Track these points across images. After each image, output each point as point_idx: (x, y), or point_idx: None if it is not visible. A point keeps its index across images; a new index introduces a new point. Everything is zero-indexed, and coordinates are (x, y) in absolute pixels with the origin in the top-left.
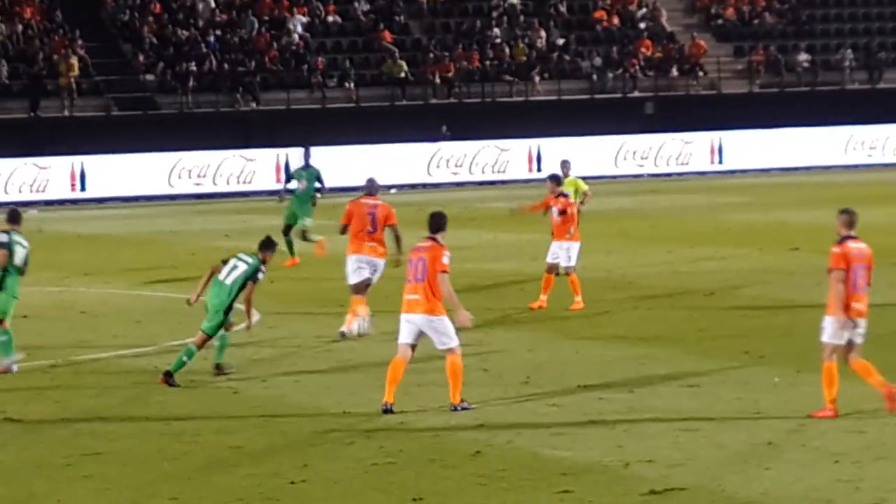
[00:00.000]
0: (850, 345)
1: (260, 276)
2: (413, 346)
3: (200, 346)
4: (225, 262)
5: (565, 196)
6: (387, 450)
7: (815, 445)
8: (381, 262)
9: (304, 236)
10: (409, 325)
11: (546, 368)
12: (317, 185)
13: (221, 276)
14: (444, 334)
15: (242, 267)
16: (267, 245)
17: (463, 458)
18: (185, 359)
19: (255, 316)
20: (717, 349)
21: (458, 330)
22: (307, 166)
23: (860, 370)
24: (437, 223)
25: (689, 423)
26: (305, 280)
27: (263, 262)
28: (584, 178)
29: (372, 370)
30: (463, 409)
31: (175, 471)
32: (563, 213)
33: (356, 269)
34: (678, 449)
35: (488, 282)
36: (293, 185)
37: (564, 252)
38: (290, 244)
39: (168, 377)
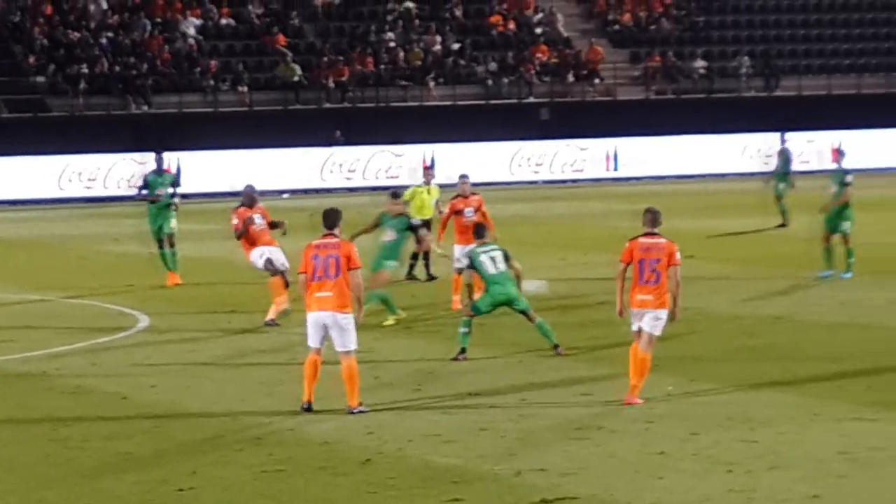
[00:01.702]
0: (640, 333)
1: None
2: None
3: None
4: (475, 263)
5: (476, 195)
6: (276, 457)
7: (707, 454)
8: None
9: (171, 242)
10: (317, 327)
11: (437, 376)
12: (170, 190)
13: (491, 272)
14: (349, 335)
15: (496, 253)
16: (479, 232)
17: (353, 465)
18: (546, 327)
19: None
20: (609, 357)
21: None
22: (160, 171)
23: (637, 361)
24: (333, 219)
25: (581, 431)
26: (200, 285)
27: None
28: (479, 185)
29: (263, 376)
30: (360, 412)
31: (62, 477)
32: (478, 210)
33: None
34: (570, 458)
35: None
36: (161, 192)
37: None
38: (164, 258)
39: (556, 348)
